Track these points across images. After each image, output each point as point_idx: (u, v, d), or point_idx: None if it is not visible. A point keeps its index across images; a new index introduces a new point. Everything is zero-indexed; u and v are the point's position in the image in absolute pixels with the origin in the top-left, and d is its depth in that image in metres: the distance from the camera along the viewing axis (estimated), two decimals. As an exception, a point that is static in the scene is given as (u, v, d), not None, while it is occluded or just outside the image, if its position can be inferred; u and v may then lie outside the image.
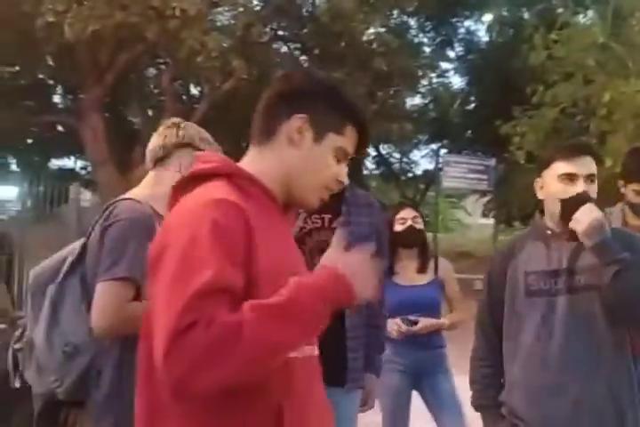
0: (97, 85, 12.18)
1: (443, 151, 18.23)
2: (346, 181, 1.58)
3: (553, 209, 2.29)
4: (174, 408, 1.32)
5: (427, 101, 19.87)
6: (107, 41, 10.50)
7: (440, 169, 13.16)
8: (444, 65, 19.33)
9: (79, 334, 2.05)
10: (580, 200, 2.22)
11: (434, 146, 20.47)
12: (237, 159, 1.54)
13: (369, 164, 20.60)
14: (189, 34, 9.07)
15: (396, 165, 21.85)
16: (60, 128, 15.81)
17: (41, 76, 14.41)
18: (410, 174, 21.69)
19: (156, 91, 14.30)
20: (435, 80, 19.36)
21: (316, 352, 1.51)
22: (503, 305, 2.33)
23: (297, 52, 15.75)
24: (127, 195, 2.27)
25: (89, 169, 17.25)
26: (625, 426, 2.17)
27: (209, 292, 1.22)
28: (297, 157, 1.48)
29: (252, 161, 1.50)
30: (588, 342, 2.19)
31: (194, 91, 13.94)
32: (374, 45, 13.18)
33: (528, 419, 2.23)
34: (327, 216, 2.77)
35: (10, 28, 10.73)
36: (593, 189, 2.27)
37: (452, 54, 19.75)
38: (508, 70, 14.58)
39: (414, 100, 19.39)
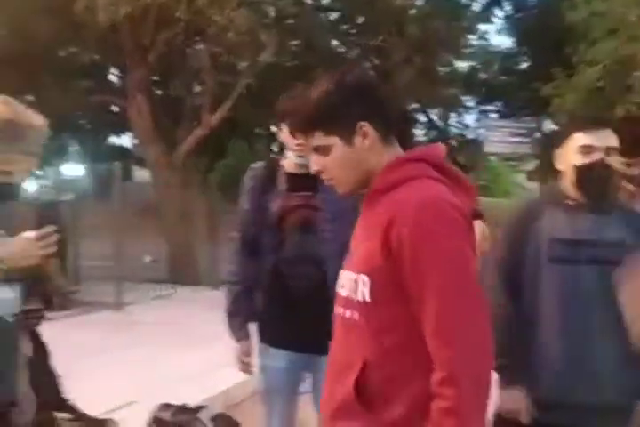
0: (141, 66, 12.53)
1: (493, 115, 18.04)
2: (312, 168, 1.74)
3: (572, 179, 2.34)
4: None
5: (474, 64, 19.61)
6: (145, 22, 10.80)
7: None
8: (488, 26, 18.99)
9: None
10: (596, 168, 2.28)
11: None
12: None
13: (418, 130, 20.55)
14: (219, 11, 9.27)
15: (447, 130, 21.66)
16: (114, 108, 16.32)
17: (96, 57, 14.86)
18: (460, 139, 21.47)
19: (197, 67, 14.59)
20: (481, 42, 19.10)
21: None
22: (516, 268, 2.36)
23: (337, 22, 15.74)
24: None
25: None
26: None
27: None
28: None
29: None
30: (609, 312, 2.18)
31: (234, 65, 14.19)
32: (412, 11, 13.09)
33: (547, 388, 2.27)
34: (306, 194, 2.80)
35: (63, 11, 11.13)
36: (614, 161, 2.32)
37: (500, 14, 19.44)
38: (557, 29, 14.28)
39: (461, 64, 19.19)
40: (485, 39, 19.61)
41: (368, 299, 1.55)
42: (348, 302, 1.61)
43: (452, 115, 21.26)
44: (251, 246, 2.87)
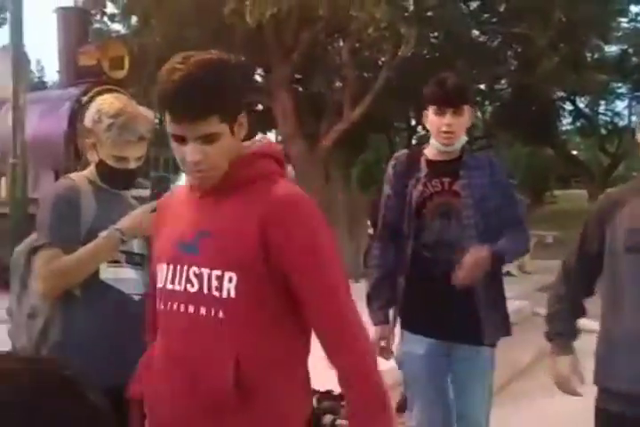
0: (284, 64, 12.93)
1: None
2: (191, 158, 1.54)
3: None
4: None
5: (625, 48, 18.62)
6: (288, 22, 11.14)
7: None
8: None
9: (39, 298, 2.32)
10: None
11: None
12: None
13: (564, 119, 19.80)
14: (359, 7, 9.41)
15: (596, 118, 20.71)
16: (259, 106, 16.92)
17: (242, 57, 15.48)
18: (610, 127, 20.47)
19: (338, 63, 14.84)
20: (634, 24, 18.09)
21: (194, 311, 1.59)
22: (593, 259, 2.35)
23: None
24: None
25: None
26: None
27: None
28: None
29: None
30: None
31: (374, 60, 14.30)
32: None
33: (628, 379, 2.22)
34: (446, 180, 2.81)
35: (207, 17, 11.72)
36: None
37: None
38: None
39: (611, 48, 18.28)
40: (638, 21, 18.57)
41: (233, 295, 1.54)
42: (200, 299, 1.56)
43: (602, 102, 20.31)
44: (392, 232, 2.92)
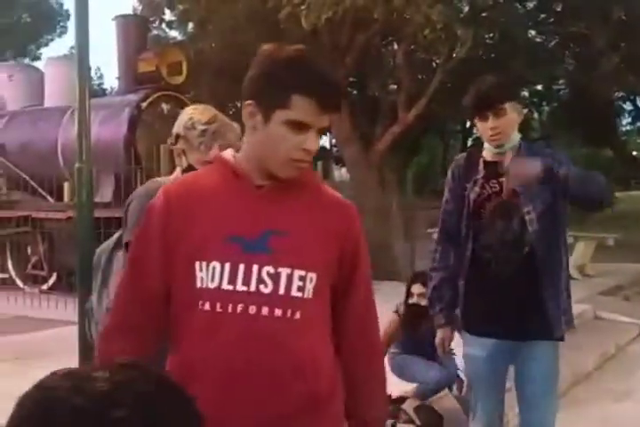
0: (338, 67, 12.96)
1: None
2: (313, 147, 1.56)
3: None
4: None
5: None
6: (343, 24, 11.16)
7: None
8: None
9: None
10: None
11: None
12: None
13: (624, 119, 19.35)
14: (415, 9, 9.38)
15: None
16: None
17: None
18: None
19: (392, 66, 14.82)
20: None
21: (268, 313, 1.52)
22: None
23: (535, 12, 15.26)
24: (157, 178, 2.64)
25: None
26: None
27: None
28: (257, 140, 1.58)
29: (243, 144, 1.67)
30: None
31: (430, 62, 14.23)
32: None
33: None
34: (504, 180, 2.78)
35: (262, 22, 11.85)
36: None
37: None
38: None
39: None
40: None
41: (312, 296, 1.55)
42: (275, 300, 1.52)
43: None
44: (452, 235, 2.93)
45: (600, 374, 5.96)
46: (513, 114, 2.81)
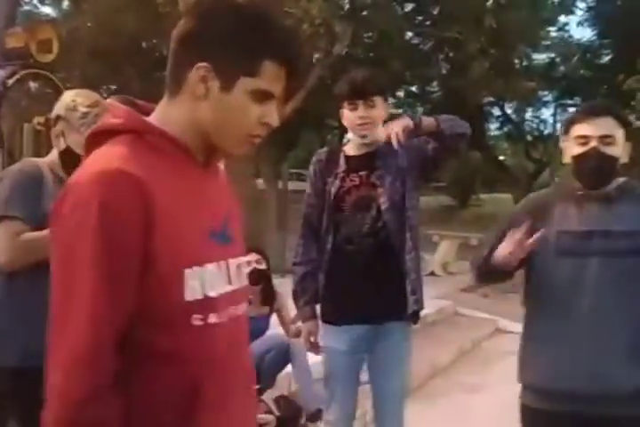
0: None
1: (571, 109, 17.61)
2: (275, 122, 1.35)
3: (573, 169, 2.34)
4: None
5: (553, 56, 19.15)
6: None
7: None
8: (569, 18, 18.50)
9: None
10: (590, 156, 2.26)
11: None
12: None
13: (492, 124, 20.25)
14: (294, 3, 9.39)
15: (522, 125, 21.26)
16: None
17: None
18: (536, 134, 21.06)
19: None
20: (561, 34, 18.66)
21: (243, 311, 1.38)
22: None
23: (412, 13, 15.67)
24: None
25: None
26: None
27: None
28: (208, 110, 1.28)
29: (163, 114, 1.32)
30: (617, 303, 2.22)
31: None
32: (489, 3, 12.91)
33: (548, 375, 2.28)
34: (364, 173, 2.91)
35: (141, 4, 11.49)
36: (611, 151, 2.27)
37: (582, 5, 18.92)
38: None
39: (540, 56, 18.77)
40: (566, 31, 19.19)
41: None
42: (246, 293, 1.42)
43: (529, 109, 20.85)
44: (314, 229, 2.99)
45: (456, 367, 6.18)
46: (381, 109, 2.90)
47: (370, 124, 2.87)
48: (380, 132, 2.90)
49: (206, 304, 1.24)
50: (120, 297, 1.16)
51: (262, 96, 1.29)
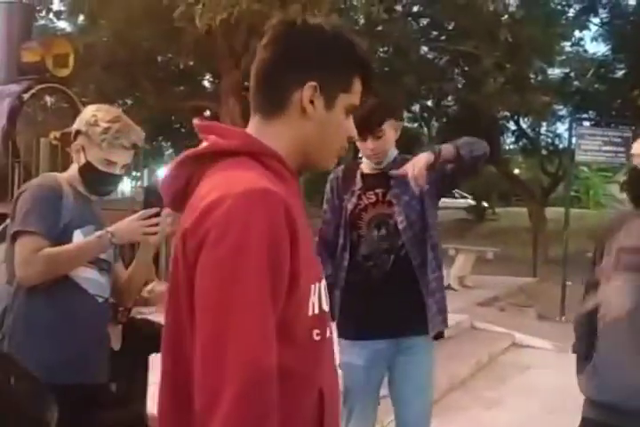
0: (233, 71, 12.85)
1: (586, 124, 17.52)
2: (355, 135, 1.43)
3: None
4: None
5: (568, 71, 19.11)
6: (238, 28, 11.06)
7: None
8: (584, 33, 18.50)
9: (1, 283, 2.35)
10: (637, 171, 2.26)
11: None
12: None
13: (508, 138, 20.18)
14: (311, 17, 9.39)
15: (537, 139, 21.17)
16: (207, 112, 16.79)
17: (191, 63, 15.36)
18: (551, 148, 20.95)
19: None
20: (576, 49, 18.62)
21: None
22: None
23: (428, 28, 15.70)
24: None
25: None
26: None
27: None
28: (313, 128, 1.33)
29: (262, 136, 1.32)
30: None
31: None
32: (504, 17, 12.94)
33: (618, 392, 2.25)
34: (380, 191, 2.95)
35: (157, 19, 11.58)
36: None
37: (595, 21, 18.91)
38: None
39: (555, 71, 18.72)
40: (580, 46, 19.14)
41: None
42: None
43: (544, 123, 20.77)
44: (330, 246, 2.99)
45: (473, 381, 6.12)
46: (390, 132, 2.93)
47: (381, 153, 2.93)
48: (392, 154, 2.96)
49: (321, 319, 1.28)
50: (275, 313, 1.17)
51: (352, 111, 1.38)
